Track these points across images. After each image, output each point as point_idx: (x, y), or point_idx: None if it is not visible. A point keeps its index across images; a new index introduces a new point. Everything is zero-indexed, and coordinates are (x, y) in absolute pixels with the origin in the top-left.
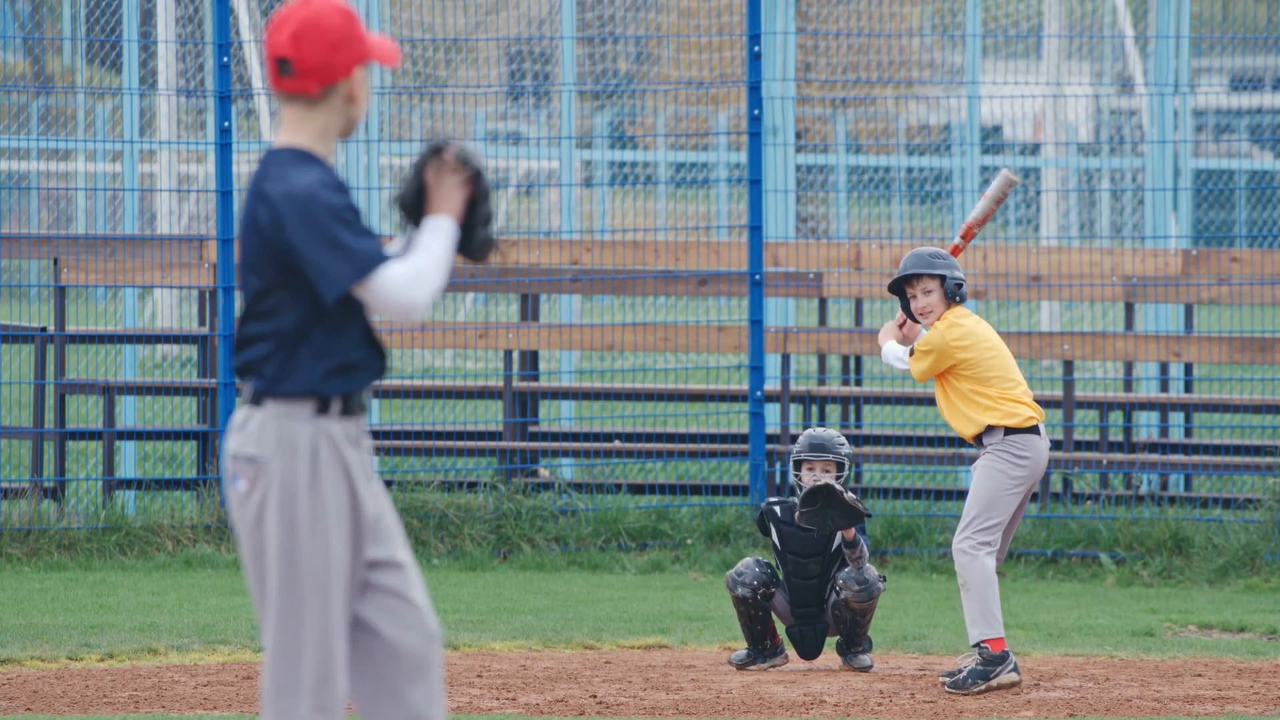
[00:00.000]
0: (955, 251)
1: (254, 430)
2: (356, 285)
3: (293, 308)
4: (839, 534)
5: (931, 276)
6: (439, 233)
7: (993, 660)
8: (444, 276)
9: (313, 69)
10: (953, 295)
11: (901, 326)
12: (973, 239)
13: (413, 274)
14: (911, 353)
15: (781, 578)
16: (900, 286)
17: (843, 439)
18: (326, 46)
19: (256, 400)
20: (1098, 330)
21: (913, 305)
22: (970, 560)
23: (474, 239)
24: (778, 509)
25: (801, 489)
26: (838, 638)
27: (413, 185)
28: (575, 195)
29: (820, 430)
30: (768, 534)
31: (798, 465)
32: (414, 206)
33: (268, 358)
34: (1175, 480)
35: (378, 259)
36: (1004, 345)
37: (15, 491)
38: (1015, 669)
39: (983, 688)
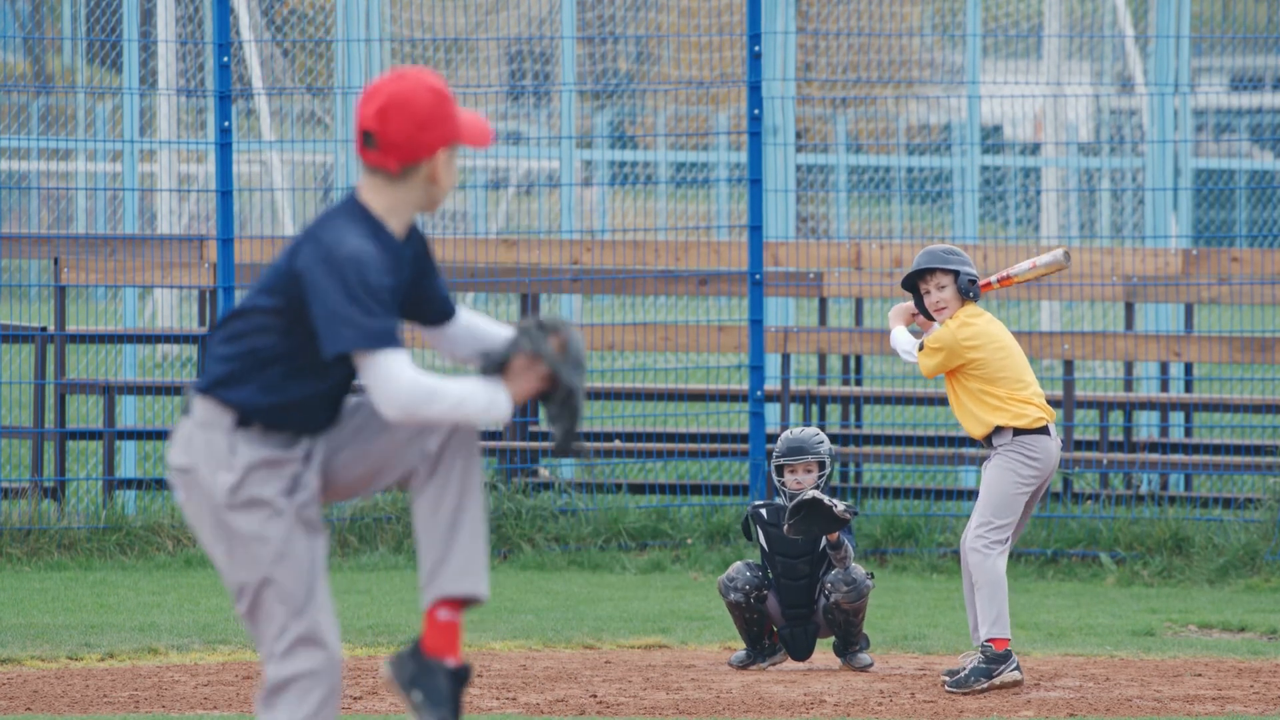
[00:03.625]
0: (986, 288)
1: (182, 440)
2: (361, 352)
3: (276, 336)
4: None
5: (945, 272)
6: (479, 392)
7: (996, 659)
8: (444, 416)
9: (395, 146)
10: (966, 292)
11: (915, 316)
12: (1007, 287)
13: (423, 387)
14: (921, 348)
15: (770, 579)
16: (913, 283)
17: (822, 437)
18: (413, 125)
19: (188, 406)
20: (1098, 330)
21: (926, 301)
22: (983, 560)
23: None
24: (764, 512)
25: (785, 491)
26: (833, 639)
27: (499, 357)
28: (575, 195)
29: (798, 431)
30: (752, 538)
31: (780, 469)
32: (493, 371)
33: (226, 360)
34: (1175, 480)
35: (392, 340)
36: (1016, 345)
37: (15, 491)
38: (1018, 668)
39: (985, 685)
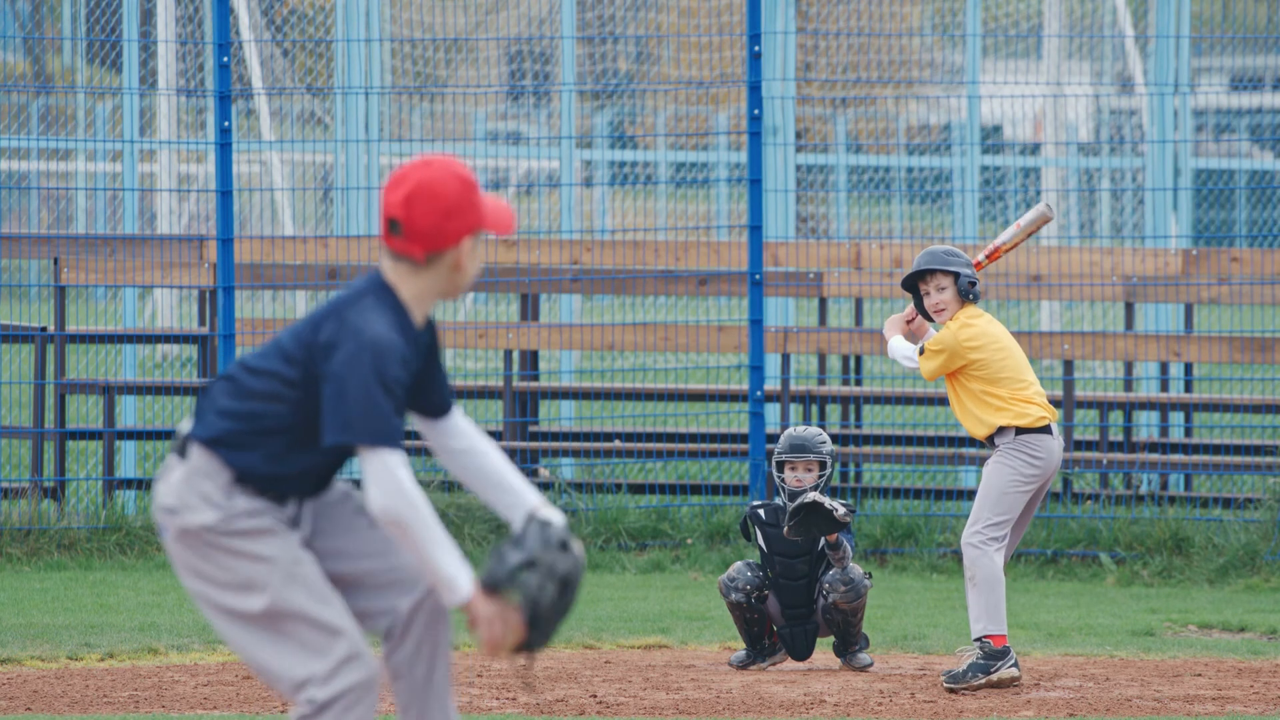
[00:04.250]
0: (977, 267)
1: (175, 482)
2: (363, 448)
3: (287, 407)
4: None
5: (945, 273)
6: (452, 564)
7: (994, 655)
8: (414, 538)
9: (422, 234)
10: (966, 294)
11: (910, 322)
12: (997, 260)
13: (413, 498)
14: (922, 351)
15: (770, 579)
16: (913, 283)
17: (825, 437)
18: (439, 214)
19: (184, 448)
20: (1098, 330)
21: (925, 302)
22: (979, 555)
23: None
24: (762, 512)
25: (784, 489)
26: (833, 639)
27: (496, 581)
28: (575, 195)
29: (801, 430)
30: (750, 538)
31: (780, 466)
32: (487, 585)
33: (229, 417)
34: (1175, 480)
35: (394, 441)
36: (1016, 345)
37: (15, 491)
38: (1015, 664)
39: (982, 681)
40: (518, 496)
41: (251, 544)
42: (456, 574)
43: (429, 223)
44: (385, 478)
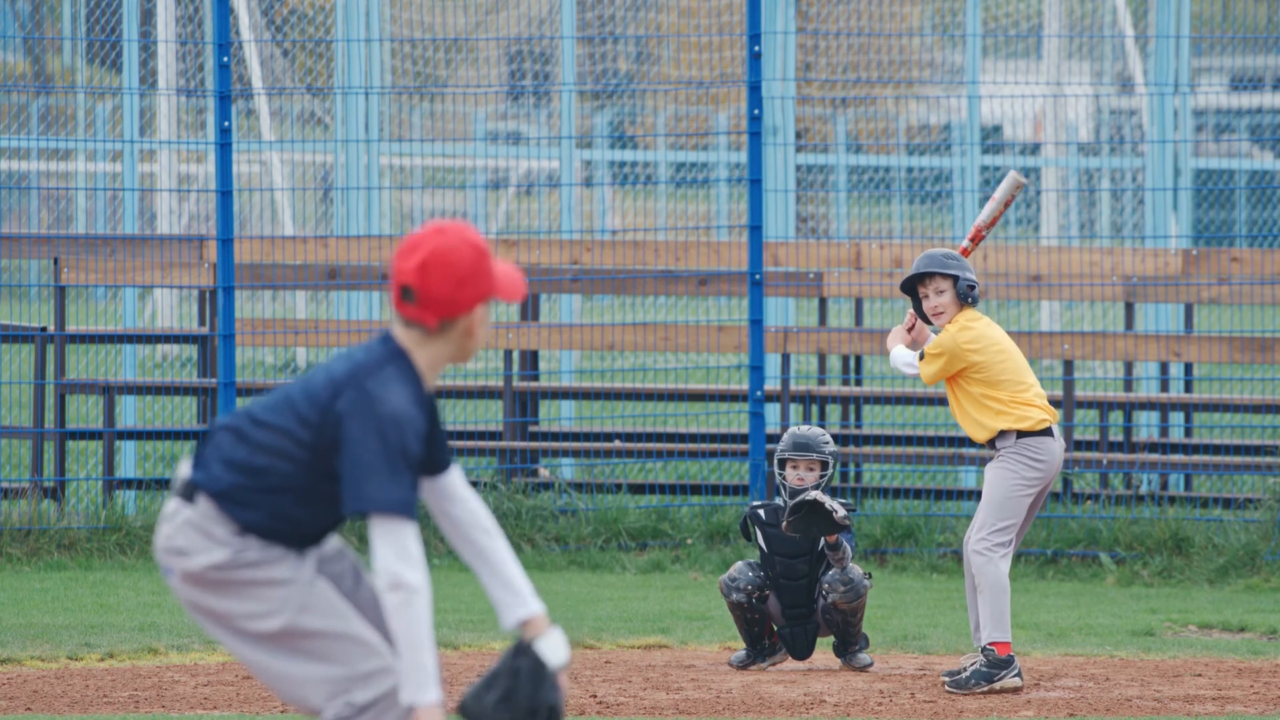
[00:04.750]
0: (964, 254)
1: (181, 524)
2: (378, 516)
3: (296, 467)
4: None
5: (944, 276)
6: (428, 673)
7: (998, 663)
8: (402, 621)
9: (435, 302)
10: (965, 296)
11: (910, 330)
12: (982, 241)
13: (416, 579)
14: (922, 356)
15: (770, 579)
16: (912, 286)
17: (827, 437)
18: (453, 282)
19: (190, 494)
20: (1098, 330)
21: (924, 305)
22: (986, 563)
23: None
24: (762, 512)
25: (785, 486)
26: (833, 639)
27: (476, 710)
28: (575, 195)
29: (805, 429)
30: (750, 538)
31: (782, 464)
32: (467, 709)
33: (236, 469)
34: (1175, 480)
35: (411, 513)
36: (1015, 347)
37: (15, 491)
38: (1019, 674)
39: (985, 689)
40: (517, 599)
41: (264, 571)
42: (430, 676)
43: (443, 290)
44: (399, 545)
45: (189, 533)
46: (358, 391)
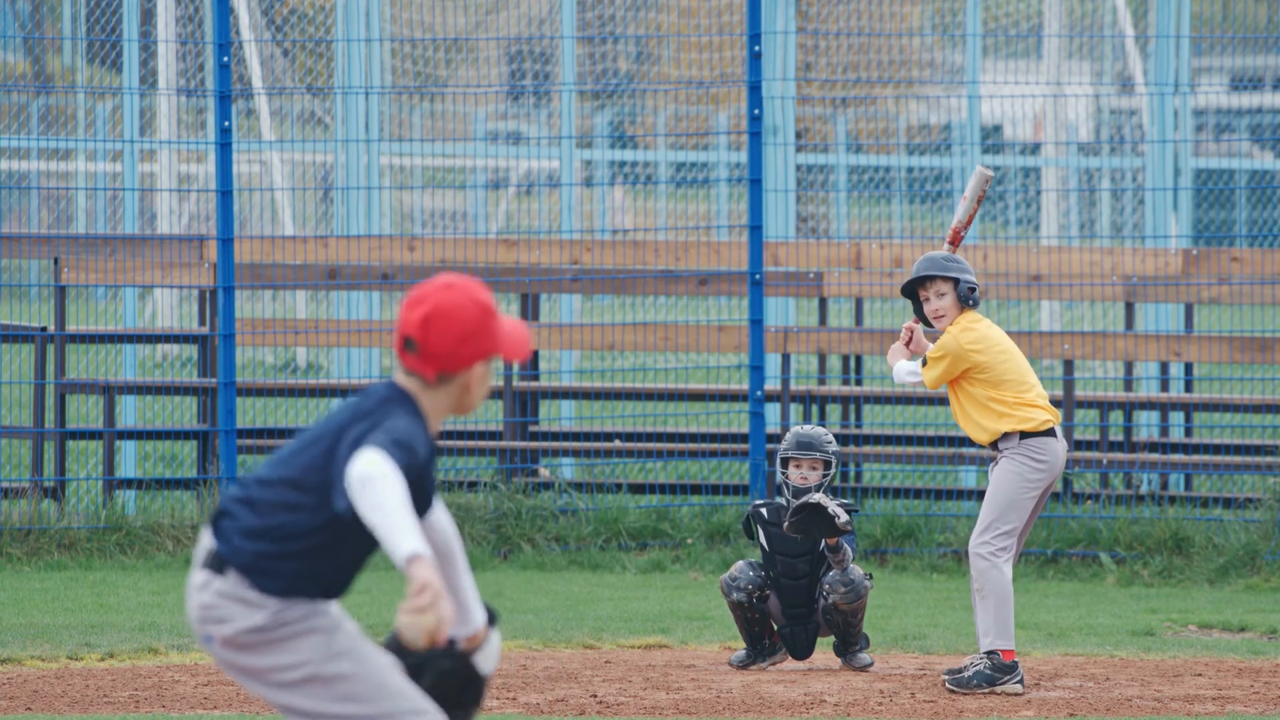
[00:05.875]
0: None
1: (215, 595)
2: (373, 448)
3: (307, 515)
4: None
5: (945, 279)
6: (408, 536)
7: (1002, 668)
8: (371, 503)
9: (435, 356)
10: (966, 299)
11: (908, 344)
12: (961, 242)
13: (392, 473)
14: (924, 362)
15: (772, 579)
16: (913, 289)
17: (830, 437)
18: (455, 338)
19: (219, 566)
20: (1098, 330)
21: (925, 308)
22: (989, 567)
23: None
24: (764, 511)
25: (787, 485)
26: (833, 639)
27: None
28: (575, 195)
29: (808, 428)
30: (753, 537)
31: (785, 463)
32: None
33: (254, 536)
34: (1175, 480)
35: (399, 460)
36: (1016, 348)
37: (15, 491)
38: (1021, 681)
39: (985, 691)
40: (465, 614)
41: (300, 625)
42: (412, 532)
43: (443, 346)
44: (380, 459)
45: (226, 602)
46: (369, 423)
